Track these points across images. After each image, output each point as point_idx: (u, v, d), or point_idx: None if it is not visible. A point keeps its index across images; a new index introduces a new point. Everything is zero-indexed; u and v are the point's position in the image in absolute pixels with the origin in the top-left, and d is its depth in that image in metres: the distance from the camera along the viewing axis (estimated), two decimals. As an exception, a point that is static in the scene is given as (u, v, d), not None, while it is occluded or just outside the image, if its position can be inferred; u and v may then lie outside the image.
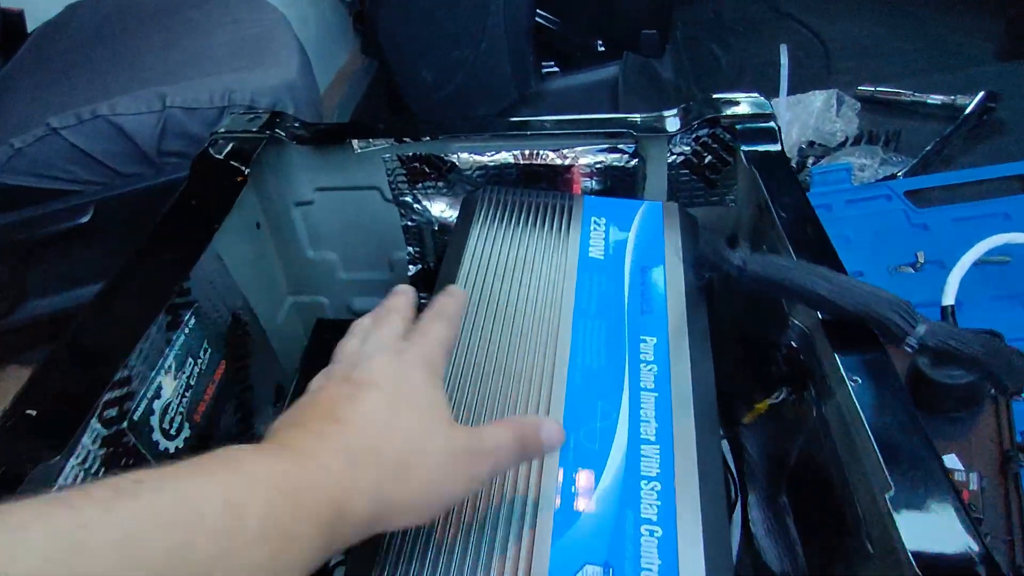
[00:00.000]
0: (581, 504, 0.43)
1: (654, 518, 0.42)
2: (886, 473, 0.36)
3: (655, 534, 0.42)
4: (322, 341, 0.87)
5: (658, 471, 0.45)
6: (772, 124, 0.64)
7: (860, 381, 0.41)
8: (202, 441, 0.62)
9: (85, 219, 0.93)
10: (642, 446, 0.46)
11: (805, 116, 0.94)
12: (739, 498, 0.65)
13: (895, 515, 0.35)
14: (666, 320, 0.56)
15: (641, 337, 0.54)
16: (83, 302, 1.03)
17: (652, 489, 0.44)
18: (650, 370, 0.52)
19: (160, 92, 0.96)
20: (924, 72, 1.19)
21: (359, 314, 0.88)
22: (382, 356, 0.39)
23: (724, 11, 1.71)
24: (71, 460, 0.45)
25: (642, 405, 0.49)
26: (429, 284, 0.83)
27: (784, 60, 0.93)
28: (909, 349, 0.42)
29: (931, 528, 0.35)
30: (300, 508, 0.30)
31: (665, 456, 0.46)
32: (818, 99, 0.94)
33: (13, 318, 1.03)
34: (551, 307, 0.57)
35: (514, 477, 0.45)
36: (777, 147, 0.63)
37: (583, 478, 0.45)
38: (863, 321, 0.43)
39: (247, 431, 0.72)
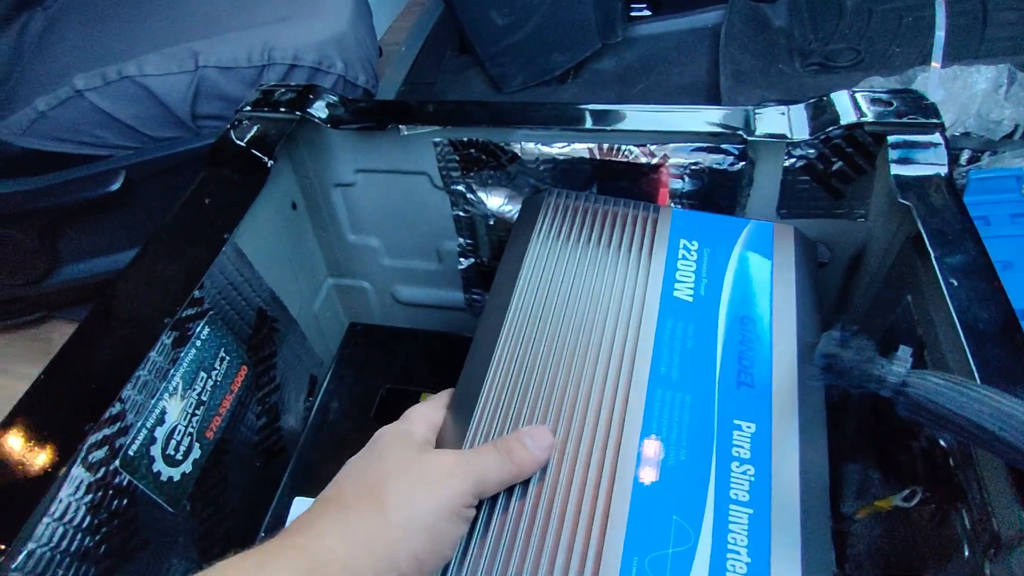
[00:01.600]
0: None
1: None
2: None
3: None
4: (355, 348, 0.77)
5: (749, 637, 0.33)
6: (938, 137, 0.48)
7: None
8: (215, 457, 0.56)
9: (116, 186, 0.86)
10: (728, 595, 0.35)
11: (965, 98, 0.74)
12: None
13: None
14: (770, 398, 0.43)
15: (735, 422, 0.42)
16: (119, 268, 1.00)
17: (738, 671, 0.33)
18: (745, 473, 0.40)
19: (192, 49, 0.86)
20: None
21: (404, 304, 0.81)
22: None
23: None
24: (45, 519, 0.40)
25: (731, 527, 0.37)
26: (483, 279, 0.73)
27: (940, 14, 0.73)
28: None
29: None
30: (265, 571, 0.31)
31: (759, 614, 0.34)
32: (983, 76, 0.73)
33: (48, 283, 0.99)
34: (620, 366, 0.45)
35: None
36: (942, 170, 0.47)
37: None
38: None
39: (272, 435, 0.65)
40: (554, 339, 0.47)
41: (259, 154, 0.58)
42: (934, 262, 0.41)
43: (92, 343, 0.47)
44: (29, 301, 1.12)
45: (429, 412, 0.44)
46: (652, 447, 0.41)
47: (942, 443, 0.41)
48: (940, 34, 0.69)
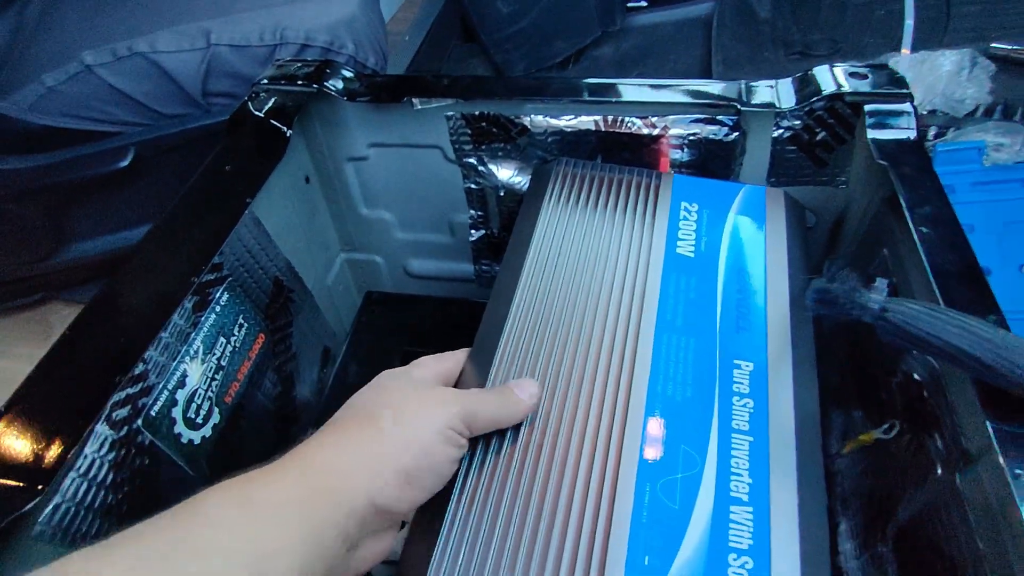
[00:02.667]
0: (657, 581, 0.37)
1: (744, 607, 0.36)
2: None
3: (745, 629, 0.35)
4: (372, 314, 0.81)
5: (751, 543, 0.38)
6: (907, 106, 0.53)
7: (1027, 477, 0.33)
8: (233, 421, 0.57)
9: (125, 163, 0.86)
10: (732, 508, 0.39)
11: (931, 79, 0.80)
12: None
13: None
14: (765, 340, 0.48)
15: (735, 361, 0.46)
16: (127, 245, 1.00)
17: (742, 567, 0.37)
18: (745, 406, 0.44)
19: (204, 28, 0.88)
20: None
21: (416, 277, 0.84)
22: None
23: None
24: (71, 474, 0.40)
25: (734, 453, 0.42)
26: (492, 251, 0.76)
27: (909, 6, 0.80)
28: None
29: None
30: (258, 481, 0.33)
31: (760, 523, 0.39)
32: (948, 59, 0.80)
33: (54, 260, 0.99)
34: (629, 315, 0.49)
35: (575, 534, 0.38)
36: (913, 134, 0.52)
37: (658, 545, 0.38)
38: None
39: (288, 404, 0.68)
40: (567, 294, 0.51)
41: (278, 124, 0.61)
42: (907, 213, 0.46)
43: (117, 302, 0.48)
44: (31, 281, 1.11)
45: (434, 362, 0.46)
46: (661, 387, 0.45)
47: (916, 376, 0.45)
48: (909, 23, 0.75)
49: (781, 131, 0.60)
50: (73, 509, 0.41)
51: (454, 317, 0.79)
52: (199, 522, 0.30)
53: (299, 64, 0.66)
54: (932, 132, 0.83)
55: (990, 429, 0.36)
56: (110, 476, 0.44)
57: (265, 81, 0.65)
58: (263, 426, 0.64)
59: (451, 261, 0.80)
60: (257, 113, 0.62)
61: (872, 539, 0.51)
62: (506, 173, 0.68)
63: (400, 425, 0.37)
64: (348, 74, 0.66)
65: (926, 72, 0.81)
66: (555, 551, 0.38)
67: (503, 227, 0.73)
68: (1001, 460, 0.34)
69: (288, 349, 0.69)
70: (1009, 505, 0.33)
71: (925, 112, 0.84)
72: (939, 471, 0.42)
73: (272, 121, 0.61)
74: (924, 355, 0.37)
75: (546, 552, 0.38)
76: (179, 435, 0.51)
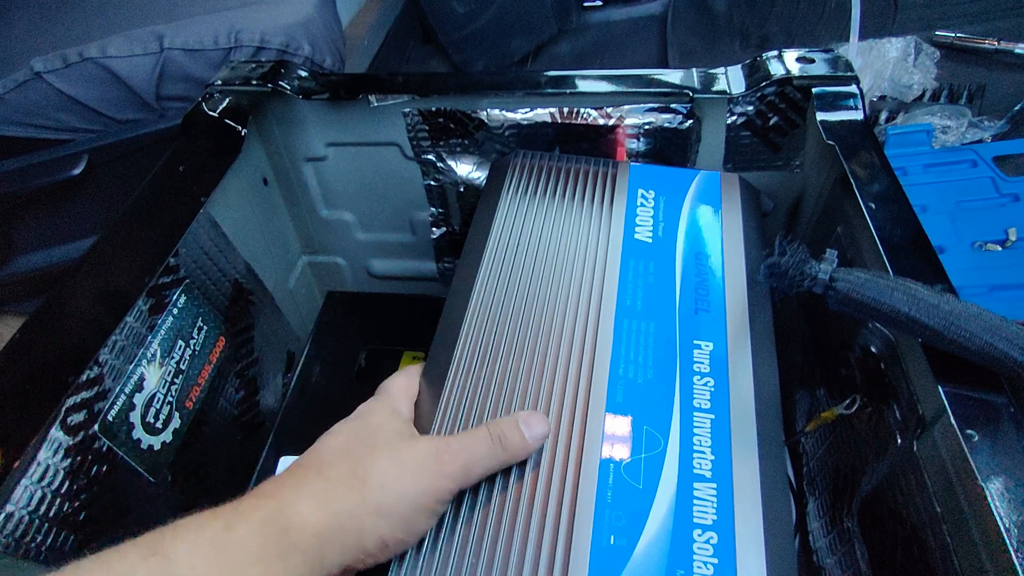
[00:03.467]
0: (620, 560, 0.37)
1: (710, 581, 0.36)
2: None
3: (711, 602, 0.35)
4: (333, 315, 0.80)
5: (715, 518, 0.38)
6: (854, 88, 0.54)
7: (977, 437, 0.34)
8: (195, 427, 0.56)
9: (77, 171, 0.84)
10: (696, 484, 0.40)
11: (879, 65, 0.82)
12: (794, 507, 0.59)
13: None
14: (724, 321, 0.48)
15: (695, 342, 0.47)
16: (77, 257, 0.97)
17: (707, 542, 0.37)
18: (706, 385, 0.44)
19: (157, 32, 0.86)
20: (1011, 14, 1.05)
21: (378, 277, 0.84)
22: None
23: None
24: (23, 481, 0.39)
25: (696, 431, 0.42)
26: (455, 248, 0.76)
27: (856, -1, 0.82)
28: (1037, 394, 0.34)
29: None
30: (234, 530, 0.31)
31: (723, 499, 0.39)
32: (894, 47, 0.82)
33: (3, 273, 0.95)
34: (589, 302, 0.49)
35: (540, 517, 0.38)
36: (860, 115, 0.53)
37: (623, 525, 0.38)
38: (979, 358, 0.34)
39: (251, 409, 0.67)
40: (526, 284, 0.51)
41: (232, 123, 0.60)
42: (856, 191, 0.46)
43: (69, 304, 0.47)
44: (-25, 295, 1.06)
45: (406, 384, 0.44)
46: (622, 370, 0.45)
47: (873, 349, 0.46)
48: (856, 13, 0.77)
49: (735, 117, 0.60)
50: (27, 518, 0.40)
51: (418, 314, 0.79)
52: (170, 565, 0.29)
53: (253, 65, 0.66)
54: (883, 116, 0.85)
55: (942, 393, 0.36)
56: (66, 484, 0.43)
57: (219, 82, 0.64)
58: (228, 432, 0.63)
59: (414, 260, 0.79)
60: (211, 113, 0.61)
61: (839, 515, 0.52)
62: (465, 168, 0.68)
63: (388, 494, 0.35)
64: (303, 73, 0.65)
65: (874, 59, 0.83)
66: (520, 535, 0.38)
67: (464, 223, 0.73)
68: (953, 422, 0.35)
69: (250, 353, 0.68)
70: (962, 464, 0.34)
71: (875, 98, 0.86)
72: (898, 440, 0.43)
73: (227, 121, 0.60)
74: (873, 323, 0.38)
75: (511, 537, 0.38)
76: (138, 440, 0.50)
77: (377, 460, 0.36)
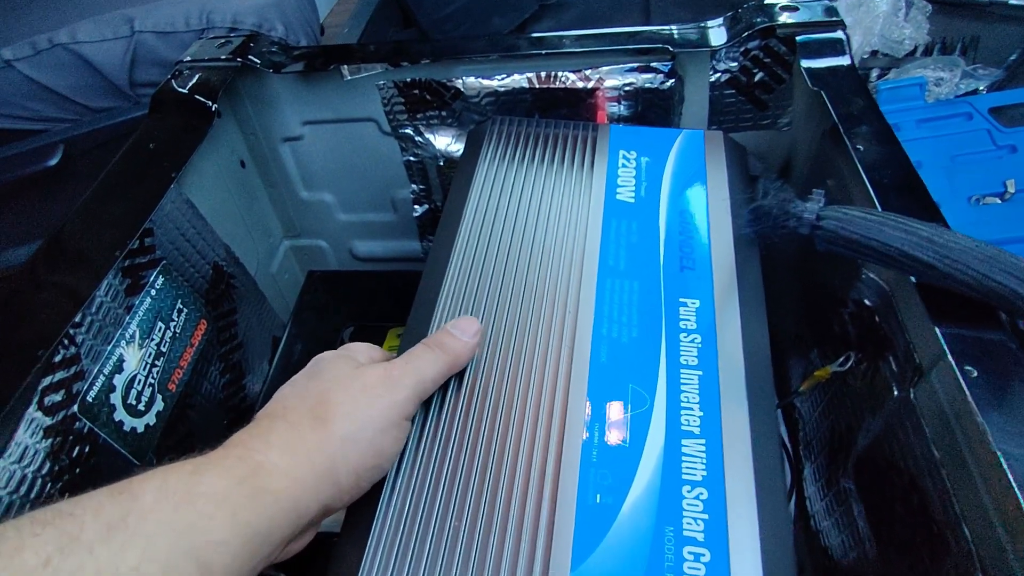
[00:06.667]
0: (607, 519, 0.35)
1: (700, 537, 0.34)
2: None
3: (702, 559, 0.33)
4: (314, 294, 0.78)
5: (704, 474, 0.36)
6: (839, 33, 0.52)
7: (976, 372, 0.32)
8: (179, 411, 0.55)
9: (53, 161, 0.82)
10: (684, 441, 0.38)
11: (869, 21, 0.80)
12: (791, 472, 0.58)
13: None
14: (711, 278, 0.46)
15: (681, 300, 0.45)
16: None
17: (697, 498, 0.36)
18: (692, 341, 0.43)
19: (127, 15, 0.84)
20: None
21: (361, 259, 0.82)
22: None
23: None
24: (1, 462, 0.39)
25: (683, 387, 0.40)
26: (437, 226, 0.74)
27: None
28: (1037, 327, 0.32)
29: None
30: (202, 473, 0.31)
31: (713, 455, 0.37)
32: (884, 1, 0.80)
33: None
34: (571, 263, 0.47)
35: (524, 479, 0.37)
36: (846, 60, 0.51)
37: (610, 484, 0.36)
38: (976, 292, 0.33)
39: (237, 393, 0.66)
40: (505, 249, 0.49)
41: (202, 99, 0.59)
42: (843, 134, 0.45)
43: (38, 279, 0.46)
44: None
45: (368, 346, 0.44)
46: (605, 329, 0.44)
47: (867, 302, 0.44)
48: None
49: (718, 75, 0.59)
50: (7, 500, 0.39)
51: (399, 290, 0.77)
52: (138, 509, 0.28)
53: (223, 40, 0.64)
54: (875, 73, 0.83)
55: (939, 334, 0.35)
56: (47, 465, 0.42)
57: (188, 59, 0.63)
58: (214, 416, 0.62)
59: (397, 240, 0.78)
60: (180, 90, 0.60)
61: (835, 477, 0.50)
62: (444, 141, 0.66)
63: (352, 423, 0.35)
64: (272, 48, 0.64)
65: (863, 15, 0.81)
66: (504, 496, 0.36)
67: (447, 199, 0.71)
68: (951, 360, 0.33)
69: (234, 337, 0.66)
70: (961, 403, 0.32)
71: (866, 54, 0.84)
72: (895, 392, 0.41)
73: (197, 96, 0.59)
74: (867, 273, 0.36)
75: (495, 498, 0.36)
76: (120, 423, 0.49)
77: (333, 395, 0.36)
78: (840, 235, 0.34)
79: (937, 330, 0.35)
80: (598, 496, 0.36)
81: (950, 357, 0.33)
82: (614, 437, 0.38)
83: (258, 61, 0.61)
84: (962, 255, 0.32)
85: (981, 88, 0.77)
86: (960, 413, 0.32)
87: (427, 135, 0.66)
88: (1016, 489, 0.28)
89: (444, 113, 0.64)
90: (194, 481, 0.30)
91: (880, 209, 0.39)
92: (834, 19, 0.53)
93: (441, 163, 0.68)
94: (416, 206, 0.73)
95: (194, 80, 0.60)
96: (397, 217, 0.75)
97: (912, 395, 0.38)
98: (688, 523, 0.35)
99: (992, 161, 0.66)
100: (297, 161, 0.72)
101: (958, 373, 0.32)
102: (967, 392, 0.31)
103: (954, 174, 0.67)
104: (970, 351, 0.33)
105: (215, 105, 0.58)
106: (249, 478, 0.31)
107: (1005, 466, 0.28)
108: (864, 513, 0.45)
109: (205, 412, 0.60)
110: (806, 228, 0.36)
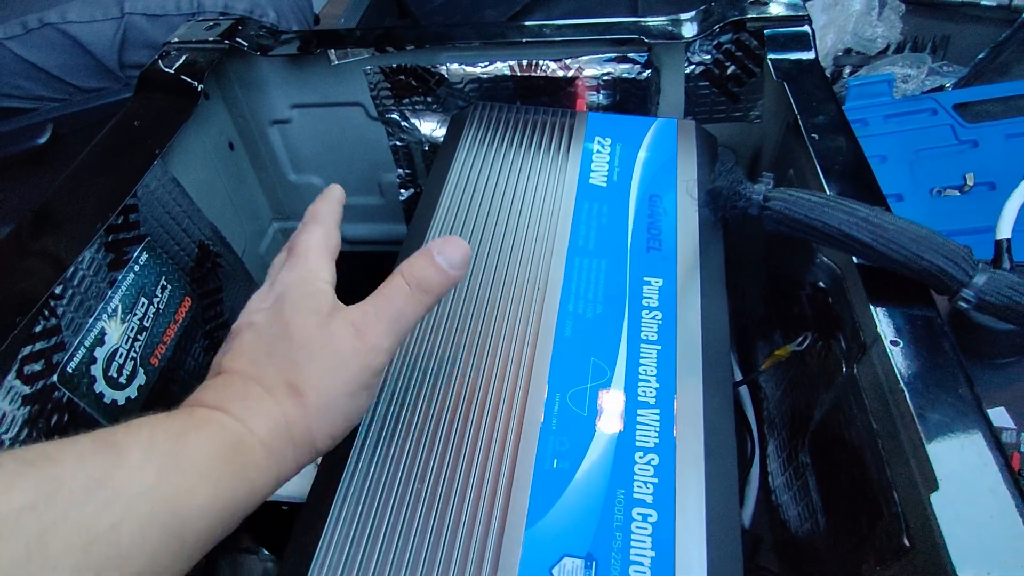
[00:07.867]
0: (562, 482, 0.37)
1: (649, 499, 0.36)
2: (934, 472, 0.30)
3: (649, 519, 0.36)
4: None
5: (656, 441, 0.39)
6: (805, 28, 0.55)
7: (902, 344, 0.34)
8: (162, 385, 0.57)
9: (42, 140, 0.84)
10: (639, 411, 0.40)
11: (843, 20, 0.82)
12: (756, 449, 0.60)
13: (941, 521, 0.29)
14: (675, 259, 0.48)
15: (645, 279, 0.47)
16: None
17: (648, 463, 0.38)
18: (654, 318, 0.45)
19: (118, -4, 0.86)
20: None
21: (350, 242, 0.84)
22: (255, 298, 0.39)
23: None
24: None
25: (642, 361, 0.43)
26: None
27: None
28: (964, 305, 0.34)
29: (984, 536, 0.29)
30: (187, 436, 0.31)
31: (665, 424, 0.39)
32: (858, 0, 0.82)
33: None
34: (542, 243, 0.49)
35: (486, 445, 0.39)
36: (810, 55, 0.54)
37: (566, 450, 0.38)
38: (909, 270, 0.35)
39: (222, 371, 0.67)
40: (480, 229, 0.51)
41: (188, 79, 0.60)
42: (801, 125, 0.47)
43: (22, 247, 0.46)
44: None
45: (323, 237, 0.40)
46: (571, 306, 0.46)
47: (821, 284, 0.47)
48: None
49: (693, 67, 0.61)
50: None
51: (386, 271, 0.79)
52: (124, 466, 0.28)
53: (211, 23, 0.66)
54: (847, 70, 0.85)
55: (873, 311, 0.37)
56: (25, 432, 0.43)
57: (176, 40, 0.64)
58: (197, 391, 0.63)
59: (384, 223, 0.80)
60: (167, 71, 0.61)
61: (794, 452, 0.53)
62: (429, 126, 0.68)
63: (324, 395, 0.34)
64: (261, 31, 0.65)
65: (838, 13, 0.83)
66: (465, 461, 0.38)
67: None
68: (881, 333, 0.35)
69: (220, 315, 0.68)
70: (891, 375, 0.34)
71: (840, 52, 0.86)
72: (844, 369, 0.43)
73: (183, 77, 0.60)
74: (809, 240, 0.38)
75: (456, 464, 0.38)
76: (101, 394, 0.50)
77: (305, 365, 0.34)
78: (786, 215, 0.37)
79: (873, 308, 0.37)
80: (555, 461, 0.38)
81: (881, 332, 0.35)
82: (573, 407, 0.40)
83: (246, 44, 0.63)
84: (896, 235, 0.34)
85: (947, 85, 0.79)
86: (892, 386, 0.35)
87: (413, 120, 0.68)
88: (928, 450, 0.30)
89: (429, 99, 0.66)
90: (180, 445, 0.31)
91: (826, 190, 0.42)
92: (800, 14, 0.55)
93: (426, 148, 0.70)
94: (402, 190, 0.75)
95: (181, 61, 0.62)
96: (384, 201, 0.77)
97: (856, 371, 0.41)
98: (639, 486, 0.37)
99: (954, 155, 0.68)
100: (286, 144, 0.74)
101: (888, 346, 0.34)
102: (893, 364, 0.33)
103: (917, 167, 0.69)
104: (903, 326, 0.35)
105: (201, 86, 0.60)
106: (233, 452, 0.32)
107: (919, 427, 0.31)
108: (816, 485, 0.48)
109: (189, 387, 0.61)
110: (755, 209, 0.38)
